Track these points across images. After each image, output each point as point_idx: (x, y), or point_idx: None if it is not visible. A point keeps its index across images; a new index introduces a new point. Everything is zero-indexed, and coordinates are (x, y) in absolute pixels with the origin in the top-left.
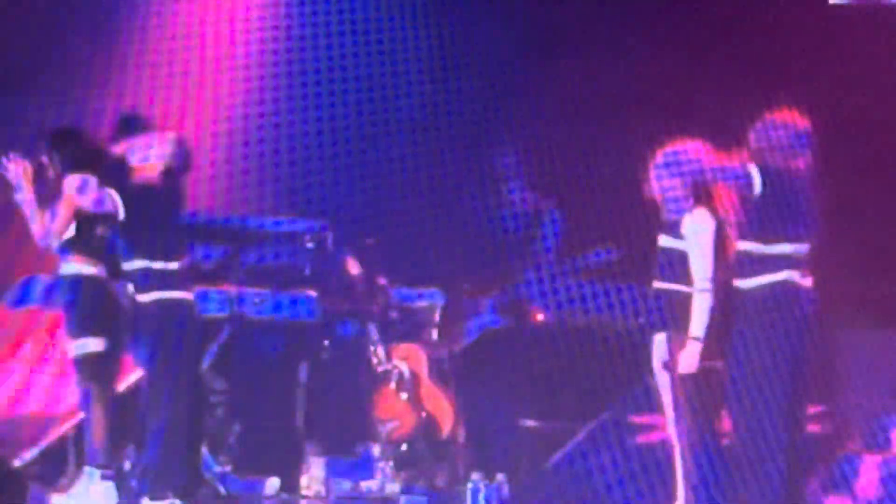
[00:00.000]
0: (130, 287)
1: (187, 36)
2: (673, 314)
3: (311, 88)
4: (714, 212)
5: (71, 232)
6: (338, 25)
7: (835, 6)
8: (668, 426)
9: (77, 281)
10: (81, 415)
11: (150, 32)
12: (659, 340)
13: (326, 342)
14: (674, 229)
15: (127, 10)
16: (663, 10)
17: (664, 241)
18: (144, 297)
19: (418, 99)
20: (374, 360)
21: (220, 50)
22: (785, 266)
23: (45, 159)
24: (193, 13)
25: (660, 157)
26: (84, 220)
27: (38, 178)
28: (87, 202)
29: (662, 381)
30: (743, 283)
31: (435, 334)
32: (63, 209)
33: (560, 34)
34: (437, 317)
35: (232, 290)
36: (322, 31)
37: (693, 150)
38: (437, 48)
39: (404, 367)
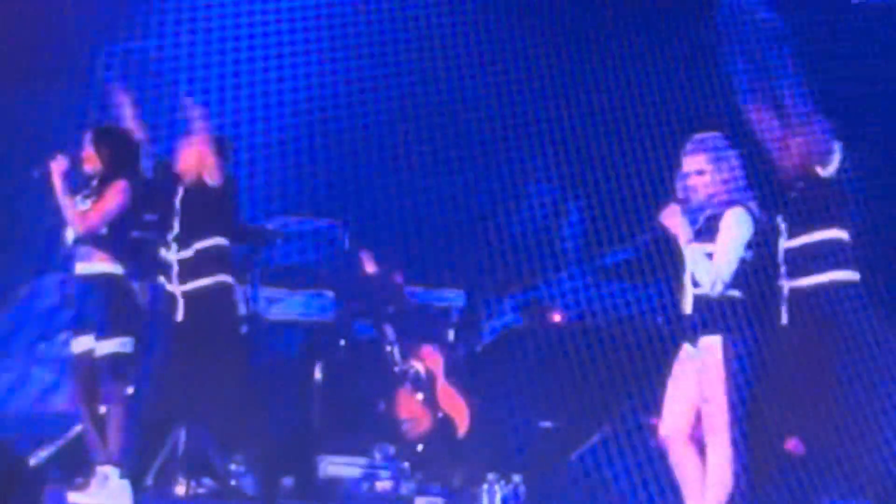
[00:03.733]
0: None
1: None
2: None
3: (331, 88)
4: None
5: (104, 231)
6: (355, 25)
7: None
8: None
9: (108, 280)
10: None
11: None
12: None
13: (342, 342)
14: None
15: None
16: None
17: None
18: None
19: (439, 97)
20: (391, 361)
21: (236, 45)
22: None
23: (87, 152)
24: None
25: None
26: (119, 222)
27: (76, 171)
28: (126, 204)
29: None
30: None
31: (452, 335)
32: (104, 207)
33: (583, 30)
34: (454, 317)
35: (248, 289)
36: (339, 27)
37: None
38: (461, 45)
39: (421, 368)
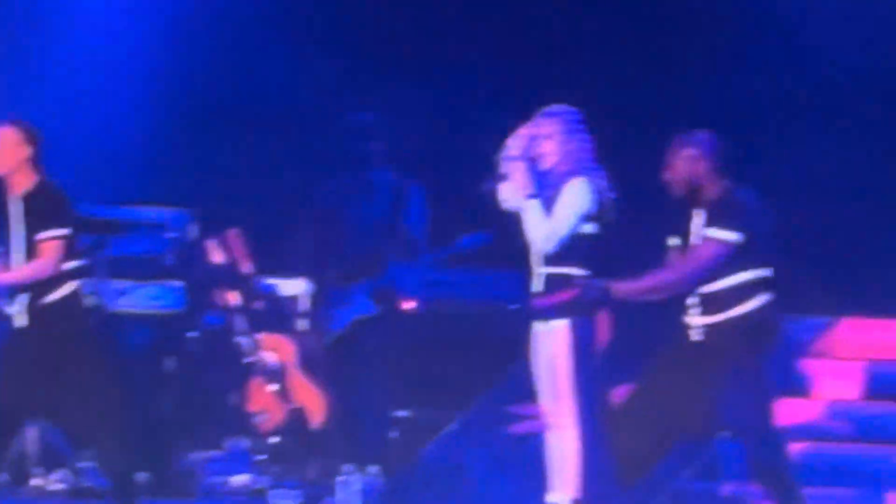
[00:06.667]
0: None
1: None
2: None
3: (172, 77)
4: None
5: None
6: (201, 16)
7: None
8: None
9: None
10: None
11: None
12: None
13: (193, 334)
14: None
15: None
16: None
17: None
18: None
19: (280, 82)
20: (242, 352)
21: (89, 40)
22: None
23: None
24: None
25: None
26: None
27: None
28: None
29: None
30: None
31: (303, 324)
32: None
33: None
34: (304, 306)
35: (95, 281)
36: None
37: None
38: (290, 31)
39: (273, 358)
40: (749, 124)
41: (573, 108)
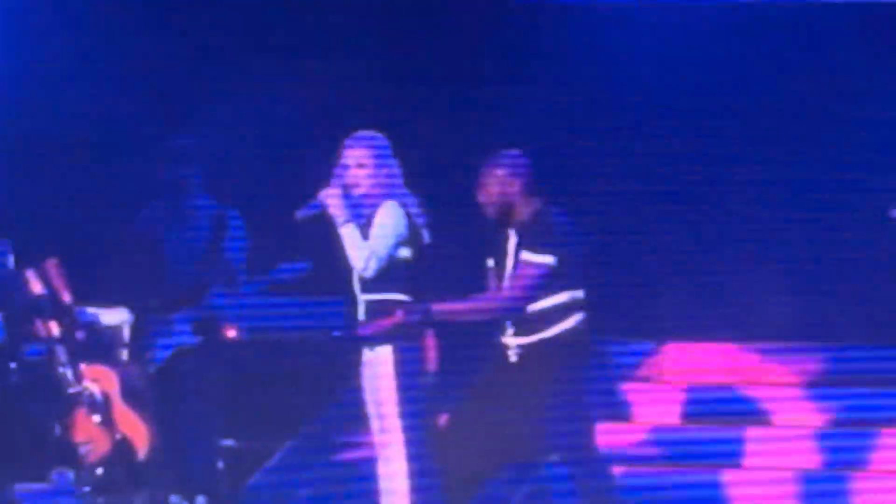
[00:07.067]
0: None
1: None
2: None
3: None
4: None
5: None
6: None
7: None
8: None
9: None
10: None
11: None
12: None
13: (13, 365)
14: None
15: None
16: None
17: None
18: None
19: (95, 108)
20: (65, 383)
21: None
22: None
23: None
24: None
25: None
26: None
27: None
28: None
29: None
30: None
31: (125, 354)
32: None
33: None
34: (126, 336)
35: None
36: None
37: None
38: (104, 55)
39: (96, 389)
40: (563, 143)
41: (379, 134)
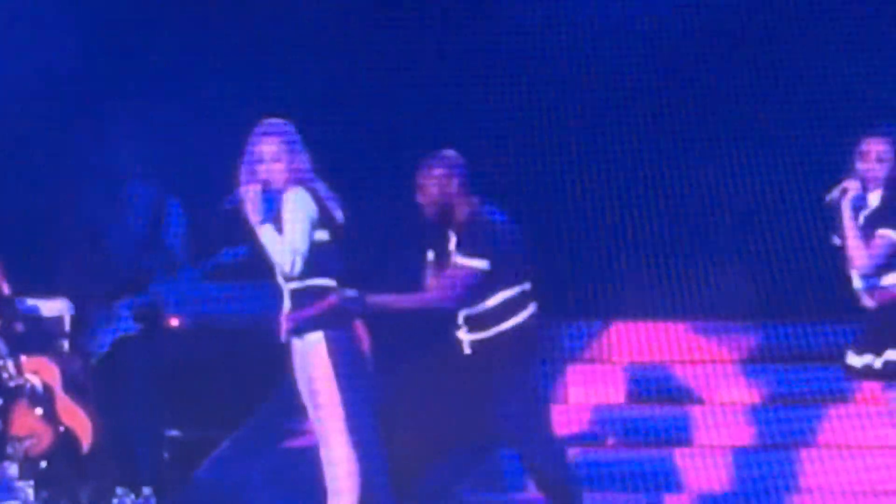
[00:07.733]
0: None
1: None
2: None
3: None
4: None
5: None
6: None
7: None
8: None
9: None
10: None
11: None
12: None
13: None
14: None
15: None
16: None
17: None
18: None
19: (30, 93)
20: (5, 375)
21: None
22: None
23: None
24: None
25: None
26: None
27: None
28: None
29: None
30: None
31: (67, 345)
32: None
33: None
34: (67, 327)
35: None
36: None
37: None
38: (43, 39)
39: (37, 381)
40: (499, 137)
41: (287, 122)
